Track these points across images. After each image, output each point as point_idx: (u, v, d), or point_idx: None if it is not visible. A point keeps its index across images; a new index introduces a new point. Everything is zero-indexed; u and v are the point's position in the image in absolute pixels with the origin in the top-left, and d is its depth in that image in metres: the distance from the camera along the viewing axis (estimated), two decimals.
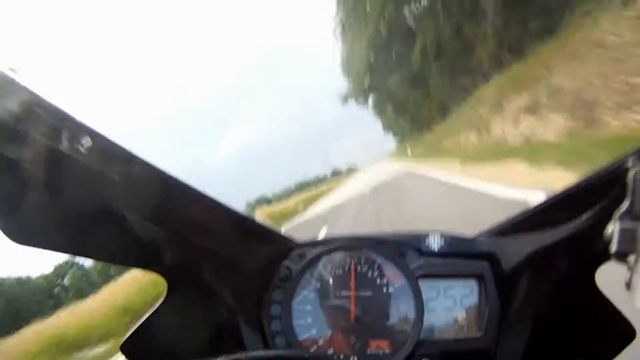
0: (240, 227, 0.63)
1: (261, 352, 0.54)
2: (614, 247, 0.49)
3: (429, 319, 0.64)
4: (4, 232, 0.49)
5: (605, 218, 0.52)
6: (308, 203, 26.08)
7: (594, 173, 0.54)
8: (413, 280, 0.64)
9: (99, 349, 6.40)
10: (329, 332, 0.64)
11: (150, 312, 0.63)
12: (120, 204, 0.50)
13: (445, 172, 10.79)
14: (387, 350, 0.63)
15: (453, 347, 0.64)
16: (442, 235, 0.68)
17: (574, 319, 0.65)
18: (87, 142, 0.45)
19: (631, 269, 0.49)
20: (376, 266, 0.65)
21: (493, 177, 6.99)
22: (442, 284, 0.66)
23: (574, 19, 9.07)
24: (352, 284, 0.65)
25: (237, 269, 0.62)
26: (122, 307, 7.74)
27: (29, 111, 0.43)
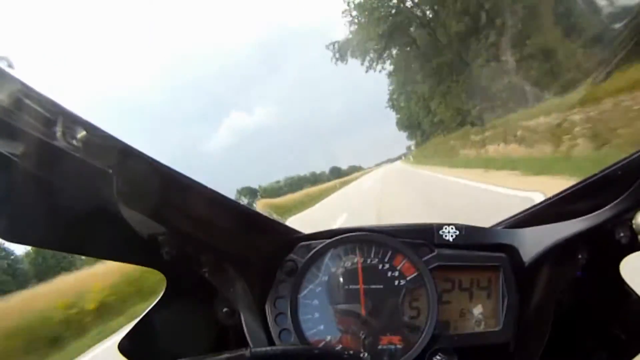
0: (243, 220, 0.60)
1: (267, 349, 0.52)
2: None
3: (444, 313, 0.61)
4: None
5: (631, 208, 0.49)
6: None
7: (616, 163, 0.51)
8: (426, 272, 0.61)
9: None
10: (337, 327, 0.60)
11: (149, 310, 0.60)
12: (116, 198, 0.47)
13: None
14: (399, 346, 0.59)
15: (469, 341, 0.61)
16: (456, 227, 0.64)
17: (597, 312, 0.62)
18: (81, 134, 0.43)
19: None
20: (387, 258, 0.62)
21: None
22: (457, 276, 0.62)
23: None
24: (361, 277, 0.61)
25: (240, 263, 0.59)
26: None
27: (20, 103, 0.40)
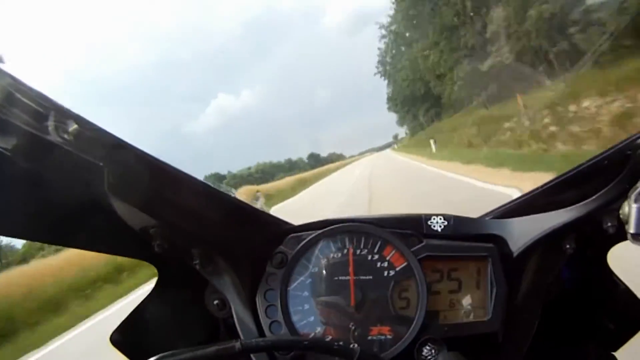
0: (233, 212, 0.60)
1: (257, 340, 0.52)
2: (631, 228, 0.46)
3: (433, 303, 0.60)
4: None
5: (618, 198, 0.49)
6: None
7: (602, 152, 0.51)
8: (415, 262, 0.60)
9: None
10: (327, 319, 0.60)
11: (141, 302, 0.60)
12: (107, 191, 0.47)
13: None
14: (389, 336, 0.59)
15: (458, 331, 0.60)
16: (444, 217, 0.63)
17: (585, 302, 0.62)
18: (72, 128, 0.43)
19: None
20: (376, 249, 0.61)
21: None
22: (446, 266, 0.62)
23: None
24: (351, 268, 0.61)
25: (230, 255, 0.58)
26: None
27: (11, 98, 0.40)
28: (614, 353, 0.62)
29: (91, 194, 0.49)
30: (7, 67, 0.41)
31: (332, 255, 0.62)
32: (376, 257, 0.61)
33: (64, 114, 0.43)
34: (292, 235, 0.63)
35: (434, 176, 12.18)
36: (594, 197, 0.52)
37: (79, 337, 6.07)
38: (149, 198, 0.51)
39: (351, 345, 0.58)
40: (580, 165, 0.54)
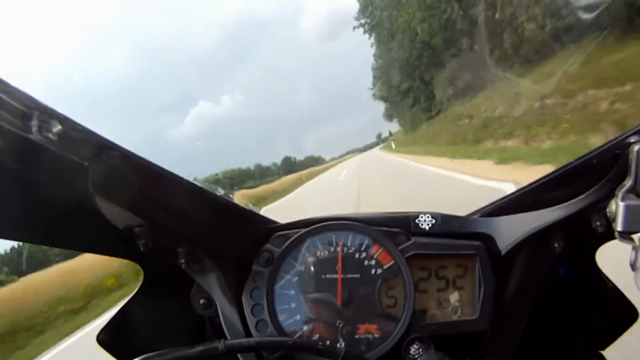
0: (218, 211, 0.59)
1: (241, 340, 0.52)
2: (619, 226, 0.45)
3: (420, 301, 0.60)
4: None
5: (606, 196, 0.48)
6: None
7: (591, 152, 0.50)
8: (403, 260, 0.60)
9: None
10: (314, 317, 0.59)
11: (127, 302, 0.59)
12: (92, 190, 0.47)
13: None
14: (376, 335, 0.59)
15: (446, 330, 0.60)
16: (432, 215, 0.62)
17: (573, 301, 0.61)
18: (57, 128, 0.43)
19: (636, 249, 0.45)
20: (363, 247, 0.60)
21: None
22: (433, 264, 0.61)
23: None
24: (338, 266, 0.60)
25: (216, 254, 0.58)
26: None
27: None
28: (601, 352, 0.62)
29: (76, 193, 0.48)
30: None
31: (318, 253, 0.61)
32: (363, 255, 0.61)
33: (48, 114, 0.42)
34: (278, 233, 0.62)
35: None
36: (582, 195, 0.51)
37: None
38: (134, 197, 0.50)
39: (337, 345, 0.57)
40: (569, 164, 0.53)
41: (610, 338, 0.61)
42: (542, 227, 0.55)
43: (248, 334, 0.59)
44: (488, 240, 0.60)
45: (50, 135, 0.42)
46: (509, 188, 5.20)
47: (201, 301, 0.61)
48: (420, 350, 0.57)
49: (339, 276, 0.60)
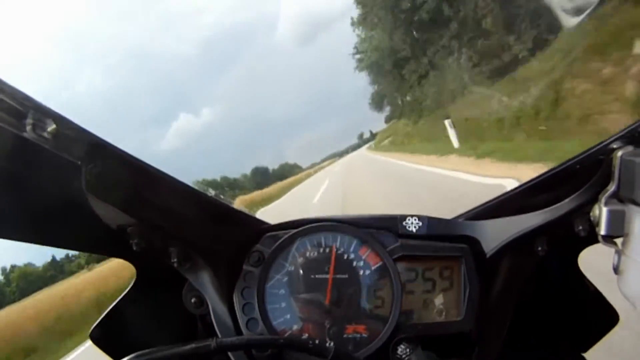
0: (210, 211, 0.59)
1: (232, 338, 0.52)
2: (602, 230, 0.46)
3: (408, 302, 0.60)
4: None
5: (589, 201, 0.49)
6: None
7: (575, 157, 0.51)
8: (390, 262, 0.60)
9: None
10: (303, 317, 0.60)
11: (119, 299, 0.59)
12: (85, 190, 0.47)
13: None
14: (364, 335, 0.59)
15: (432, 330, 0.60)
16: (419, 218, 0.63)
17: (556, 303, 0.62)
18: (51, 127, 0.43)
19: (619, 253, 0.45)
20: (352, 248, 0.61)
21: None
22: (420, 265, 0.62)
23: None
24: (327, 267, 0.60)
25: (208, 254, 0.58)
26: None
27: None
28: (583, 354, 0.63)
29: (69, 192, 0.48)
30: None
31: (308, 254, 0.61)
32: (352, 256, 0.61)
33: (43, 113, 0.42)
34: (269, 234, 0.62)
35: None
36: (566, 200, 0.52)
37: None
38: (127, 197, 0.50)
39: (327, 344, 0.57)
40: (553, 169, 0.53)
41: (592, 340, 0.61)
42: (526, 231, 0.55)
43: (239, 332, 0.59)
44: (473, 243, 0.61)
45: (45, 134, 0.42)
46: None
47: (193, 300, 0.62)
48: (408, 350, 0.58)
49: (326, 277, 0.60)
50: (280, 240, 0.62)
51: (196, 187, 0.57)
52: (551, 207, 0.54)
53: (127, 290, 0.60)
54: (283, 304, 0.60)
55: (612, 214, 0.45)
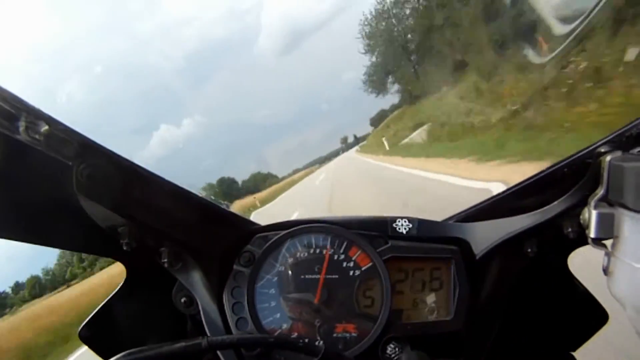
0: (201, 212, 0.59)
1: (222, 337, 0.52)
2: (592, 233, 0.46)
3: (397, 302, 0.60)
4: None
5: (578, 204, 0.49)
6: None
7: (564, 160, 0.51)
8: (380, 263, 0.60)
9: None
10: (293, 316, 0.59)
11: (109, 298, 0.59)
12: (76, 190, 0.47)
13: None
14: (353, 334, 0.59)
15: (422, 330, 0.60)
16: (409, 220, 0.63)
17: (546, 304, 0.62)
18: (43, 129, 0.43)
19: (608, 255, 0.45)
20: (342, 249, 0.61)
21: None
22: (410, 266, 0.61)
23: None
24: (317, 267, 0.60)
25: (198, 254, 0.58)
26: None
27: None
28: (573, 353, 0.63)
29: (61, 193, 0.48)
30: None
31: (298, 254, 0.61)
32: (342, 257, 0.61)
33: (36, 115, 0.43)
34: (259, 235, 0.62)
35: None
36: (555, 202, 0.52)
37: None
38: (118, 198, 0.50)
39: (316, 343, 0.57)
40: (542, 172, 0.53)
41: (581, 339, 0.61)
42: (516, 233, 0.55)
43: (228, 331, 0.59)
44: (463, 245, 0.61)
45: (37, 136, 0.43)
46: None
47: (183, 299, 0.61)
48: (397, 349, 0.58)
49: (316, 277, 0.60)
50: (270, 241, 0.61)
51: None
52: (540, 210, 0.53)
53: (117, 289, 0.60)
54: (273, 304, 0.60)
55: (601, 217, 0.45)
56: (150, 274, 0.60)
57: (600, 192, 0.46)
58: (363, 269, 0.60)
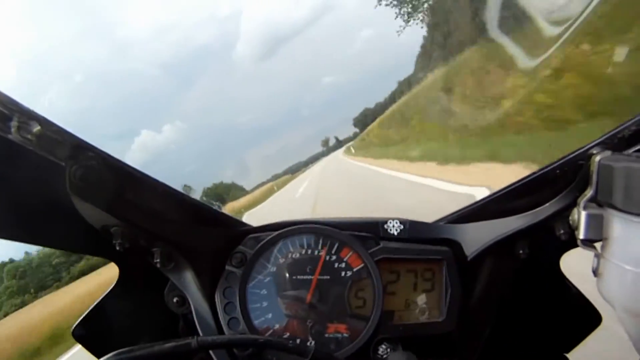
0: (193, 213, 0.59)
1: (213, 337, 0.52)
2: (581, 234, 0.45)
3: (389, 303, 0.60)
4: None
5: (569, 205, 0.48)
6: None
7: (555, 162, 0.50)
8: (372, 264, 0.59)
9: None
10: (285, 316, 0.59)
11: (102, 297, 0.59)
12: (69, 190, 0.47)
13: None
14: (345, 334, 0.59)
15: (413, 331, 0.60)
16: (400, 221, 0.62)
17: (538, 305, 0.61)
18: (36, 129, 0.43)
19: (598, 256, 0.45)
20: (334, 250, 0.60)
21: None
22: (402, 268, 0.61)
23: None
24: (309, 267, 0.60)
25: (191, 254, 0.57)
26: None
27: None
28: (566, 354, 0.62)
29: (53, 193, 0.48)
30: None
31: (290, 255, 0.61)
32: (334, 258, 0.60)
33: (28, 116, 0.42)
34: (251, 235, 0.62)
35: None
36: (547, 204, 0.52)
37: None
38: (111, 198, 0.50)
39: (308, 343, 0.57)
40: (534, 173, 0.53)
41: (574, 341, 0.61)
42: (507, 234, 0.55)
43: (220, 331, 0.59)
44: (455, 246, 0.60)
45: (29, 136, 0.43)
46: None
47: (175, 299, 0.61)
48: (389, 350, 0.58)
49: (308, 277, 0.60)
50: (262, 242, 0.61)
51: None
52: (532, 211, 0.53)
53: (109, 288, 0.60)
54: (265, 304, 0.60)
55: (590, 218, 0.45)
56: (142, 274, 0.60)
57: (590, 193, 0.45)
58: (355, 269, 0.60)
